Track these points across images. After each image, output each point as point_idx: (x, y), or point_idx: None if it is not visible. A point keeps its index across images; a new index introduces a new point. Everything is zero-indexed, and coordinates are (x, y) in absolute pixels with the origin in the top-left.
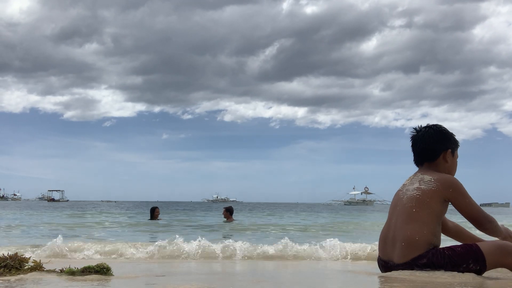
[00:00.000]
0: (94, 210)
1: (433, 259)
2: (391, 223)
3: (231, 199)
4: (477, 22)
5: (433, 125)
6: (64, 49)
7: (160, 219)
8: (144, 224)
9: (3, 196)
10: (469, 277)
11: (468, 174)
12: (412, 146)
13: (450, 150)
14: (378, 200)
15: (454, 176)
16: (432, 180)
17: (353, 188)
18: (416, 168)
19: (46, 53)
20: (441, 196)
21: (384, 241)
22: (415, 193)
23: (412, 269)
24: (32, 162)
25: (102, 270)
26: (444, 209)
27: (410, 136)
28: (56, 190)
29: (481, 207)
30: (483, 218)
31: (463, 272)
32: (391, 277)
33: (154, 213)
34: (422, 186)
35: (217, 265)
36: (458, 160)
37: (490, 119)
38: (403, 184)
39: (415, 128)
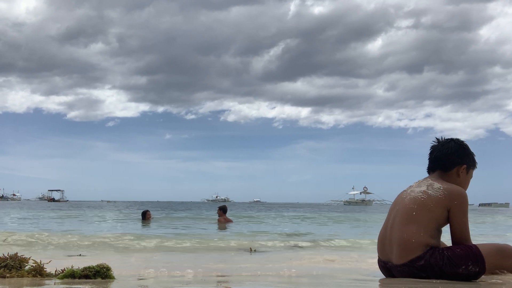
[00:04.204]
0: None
1: (430, 260)
2: (388, 223)
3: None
4: (484, 22)
5: (456, 139)
6: (69, 49)
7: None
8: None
9: (2, 196)
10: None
11: None
12: (429, 154)
13: (465, 166)
14: (377, 200)
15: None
16: (441, 189)
17: (352, 188)
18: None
19: (51, 53)
20: (445, 205)
21: (382, 241)
22: (419, 196)
23: (410, 270)
24: (33, 162)
25: (103, 270)
26: (447, 218)
27: (431, 145)
28: (56, 190)
29: (480, 206)
30: (464, 243)
31: (462, 273)
32: None
33: (145, 216)
34: (429, 191)
35: None
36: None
37: (494, 119)
38: (410, 186)
39: (437, 138)
